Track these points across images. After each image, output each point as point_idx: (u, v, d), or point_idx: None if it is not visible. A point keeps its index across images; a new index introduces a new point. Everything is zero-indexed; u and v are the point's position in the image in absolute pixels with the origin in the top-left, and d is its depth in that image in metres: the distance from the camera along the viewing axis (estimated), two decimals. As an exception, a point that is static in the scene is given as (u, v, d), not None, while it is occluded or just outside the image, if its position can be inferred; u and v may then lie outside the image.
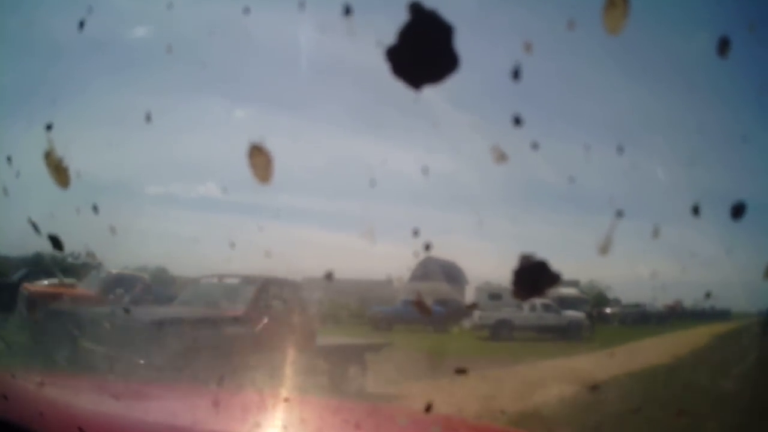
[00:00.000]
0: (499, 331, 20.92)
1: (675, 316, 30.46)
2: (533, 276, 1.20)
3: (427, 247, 1.42)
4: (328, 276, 2.10)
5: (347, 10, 1.06)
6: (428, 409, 2.14)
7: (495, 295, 25.05)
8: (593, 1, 1.04)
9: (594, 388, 7.61)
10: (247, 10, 1.36)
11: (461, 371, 4.31)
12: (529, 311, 21.87)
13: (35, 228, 1.76)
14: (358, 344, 10.50)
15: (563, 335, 21.06)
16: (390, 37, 0.99)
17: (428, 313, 16.78)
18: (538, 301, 21.67)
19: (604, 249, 1.26)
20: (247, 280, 9.42)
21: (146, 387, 2.91)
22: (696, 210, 1.34)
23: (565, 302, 23.39)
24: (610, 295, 33.79)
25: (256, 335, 7.95)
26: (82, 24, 1.74)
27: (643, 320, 29.19)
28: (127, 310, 7.93)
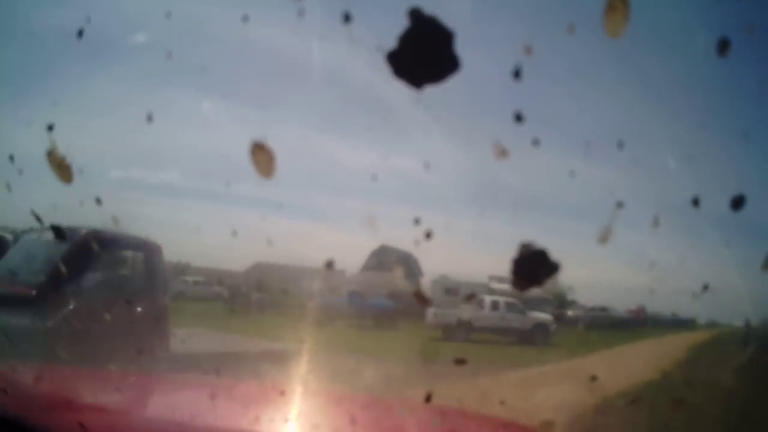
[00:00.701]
0: (456, 332, 18.73)
1: (639, 323, 29.52)
2: (532, 265, 1.20)
3: (428, 235, 1.43)
4: (329, 265, 2.10)
5: (347, 17, 1.06)
6: (428, 399, 2.15)
7: (451, 290, 23.24)
8: (593, 5, 1.05)
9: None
10: (246, 18, 1.36)
11: (460, 361, 4.24)
12: (491, 310, 19.91)
13: (38, 219, 1.77)
14: (240, 352, 7.29)
15: (527, 339, 19.14)
16: (390, 42, 1.00)
17: (426, 304, 16.53)
18: (501, 299, 20.06)
19: (604, 238, 1.27)
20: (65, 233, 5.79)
21: (147, 379, 2.92)
22: (696, 202, 1.35)
23: (527, 301, 21.47)
24: (572, 296, 31.46)
25: (52, 329, 4.84)
26: (80, 33, 1.74)
27: (609, 325, 27.38)
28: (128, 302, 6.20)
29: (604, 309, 28.81)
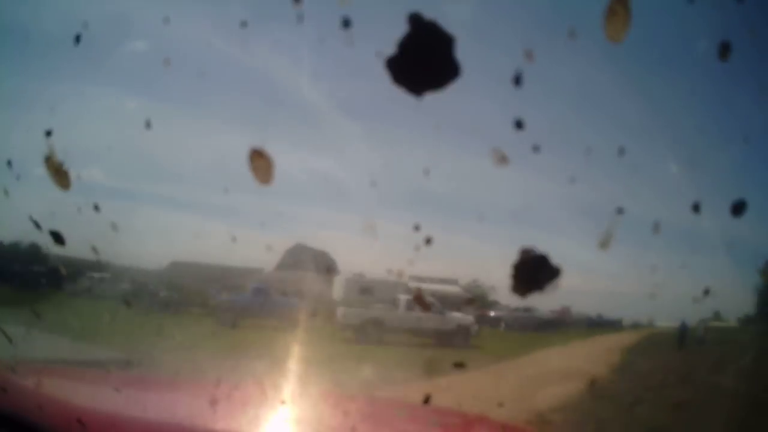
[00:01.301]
0: (367, 333, 17.15)
1: (564, 323, 28.76)
2: (533, 270, 1.19)
3: (428, 241, 1.43)
4: (330, 269, 2.10)
5: (346, 23, 1.06)
6: (426, 400, 2.15)
7: (366, 290, 21.81)
8: (594, 9, 1.05)
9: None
10: (244, 24, 1.36)
11: (459, 365, 4.23)
12: (406, 310, 18.36)
13: (36, 225, 1.77)
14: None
15: (446, 341, 17.70)
16: (390, 47, 1.00)
17: (428, 308, 16.23)
18: None
19: (605, 244, 1.27)
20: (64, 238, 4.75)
21: (146, 380, 2.92)
22: (696, 208, 1.35)
23: (447, 302, 19.75)
24: (494, 296, 28.08)
25: None
26: (78, 38, 1.74)
27: (534, 326, 26.36)
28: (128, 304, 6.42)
29: (527, 309, 26.97)
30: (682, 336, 19.69)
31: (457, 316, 19.03)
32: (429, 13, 0.98)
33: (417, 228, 1.43)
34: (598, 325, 31.07)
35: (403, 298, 18.83)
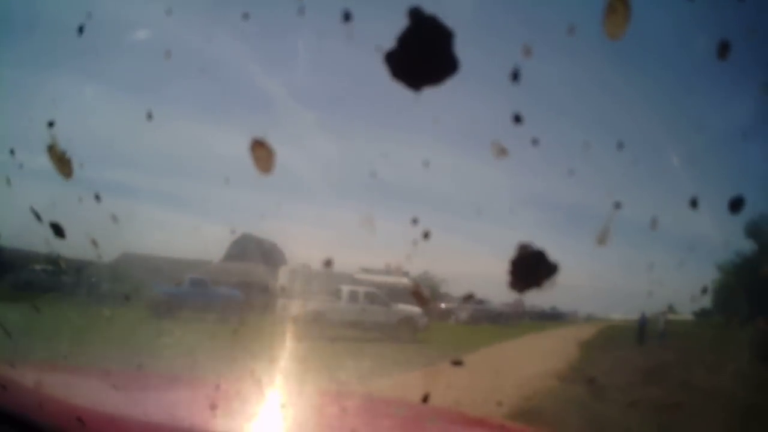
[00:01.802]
0: (308, 326, 16.16)
1: (517, 316, 28.26)
2: (531, 266, 1.19)
3: (426, 235, 1.43)
4: (327, 263, 2.10)
5: (347, 16, 1.06)
6: (425, 399, 2.15)
7: (310, 281, 19.95)
8: (593, 6, 1.05)
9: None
10: (246, 16, 1.36)
11: (457, 363, 4.24)
12: (349, 302, 17.98)
13: (37, 216, 1.77)
14: None
15: (392, 334, 16.97)
16: (390, 41, 1.00)
17: (425, 303, 16.24)
18: (360, 290, 18.37)
19: (602, 239, 1.27)
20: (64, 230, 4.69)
21: (146, 377, 2.92)
22: (694, 203, 1.35)
23: (394, 294, 18.99)
24: (444, 288, 28.78)
25: None
26: (81, 29, 1.74)
27: (486, 318, 26.31)
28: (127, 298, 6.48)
29: (480, 301, 26.51)
30: (642, 329, 19.72)
31: (403, 308, 18.28)
32: (429, 8, 0.99)
33: (415, 221, 1.43)
34: (552, 318, 31.13)
35: (346, 289, 18.31)
